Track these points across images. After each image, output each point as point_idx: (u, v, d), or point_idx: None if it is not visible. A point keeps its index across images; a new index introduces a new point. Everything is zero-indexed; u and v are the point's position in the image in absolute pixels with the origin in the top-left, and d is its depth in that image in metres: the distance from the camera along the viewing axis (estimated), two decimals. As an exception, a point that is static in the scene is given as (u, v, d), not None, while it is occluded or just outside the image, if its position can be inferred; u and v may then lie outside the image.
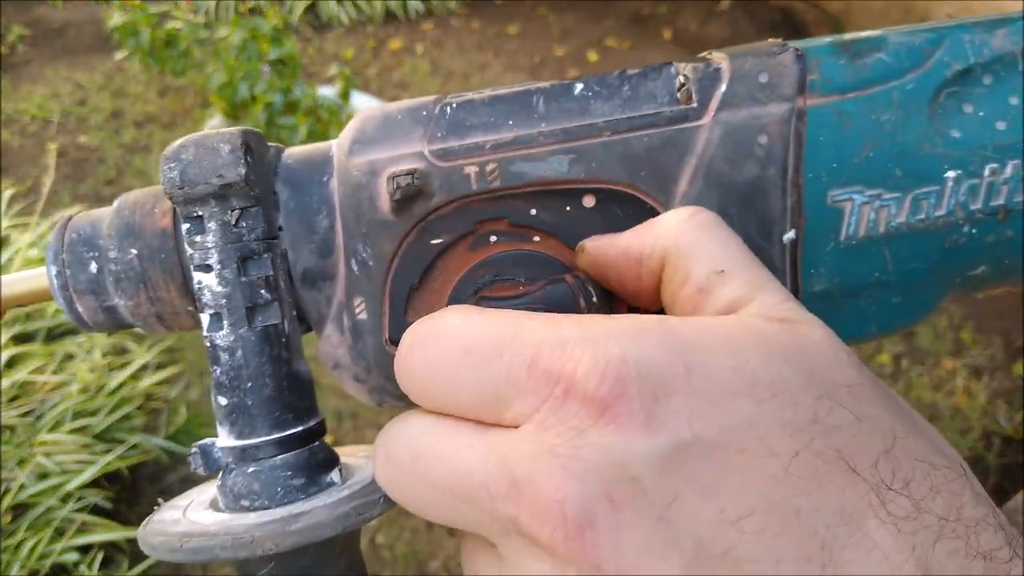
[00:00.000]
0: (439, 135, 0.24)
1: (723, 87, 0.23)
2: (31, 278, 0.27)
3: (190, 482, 1.87)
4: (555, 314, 0.20)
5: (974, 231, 0.24)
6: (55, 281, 0.26)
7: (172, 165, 0.23)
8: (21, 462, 1.64)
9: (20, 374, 1.81)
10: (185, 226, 0.24)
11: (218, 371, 0.24)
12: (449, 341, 0.20)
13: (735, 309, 0.20)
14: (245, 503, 0.23)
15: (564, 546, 0.16)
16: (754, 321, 0.19)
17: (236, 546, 0.21)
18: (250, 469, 0.24)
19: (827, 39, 0.24)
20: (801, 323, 0.20)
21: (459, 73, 3.74)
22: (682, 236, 0.21)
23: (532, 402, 0.18)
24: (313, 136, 2.45)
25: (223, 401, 0.24)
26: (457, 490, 0.18)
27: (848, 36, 0.24)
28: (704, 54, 0.25)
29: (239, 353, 0.23)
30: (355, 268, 0.24)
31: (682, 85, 0.23)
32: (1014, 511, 1.80)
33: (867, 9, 4.06)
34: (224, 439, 0.24)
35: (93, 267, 0.25)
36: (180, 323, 0.26)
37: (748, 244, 0.23)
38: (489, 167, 0.23)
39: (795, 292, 0.24)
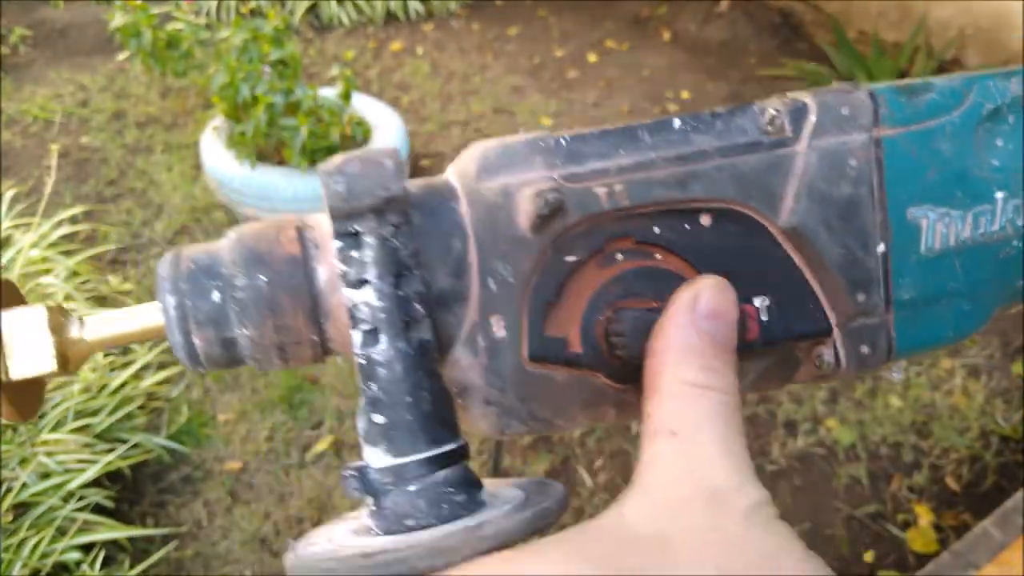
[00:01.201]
0: (559, 163, 0.25)
1: (813, 118, 0.26)
2: (139, 314, 0.26)
3: (191, 481, 1.88)
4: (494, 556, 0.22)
5: (1022, 245, 0.28)
6: (173, 313, 0.25)
7: (338, 178, 0.24)
8: (23, 461, 1.65)
9: (22, 374, 1.82)
10: (338, 244, 0.24)
11: (374, 387, 0.24)
12: None
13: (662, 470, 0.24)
14: (410, 523, 0.23)
15: None
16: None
17: (433, 554, 0.21)
18: (411, 488, 0.23)
19: (885, 84, 0.28)
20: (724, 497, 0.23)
21: (460, 74, 3.75)
22: (670, 385, 0.24)
23: None
24: (315, 137, 2.46)
25: (379, 419, 0.23)
26: None
27: (902, 81, 0.28)
28: (783, 94, 0.28)
29: (398, 368, 0.23)
30: (492, 286, 0.25)
31: (773, 118, 0.27)
32: (1013, 510, 1.80)
33: (865, 10, 4.06)
34: (379, 460, 0.24)
35: (216, 296, 0.25)
36: (299, 355, 0.26)
37: (850, 255, 0.27)
38: (617, 188, 0.25)
39: (887, 300, 0.27)
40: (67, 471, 1.67)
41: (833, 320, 0.27)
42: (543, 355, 0.26)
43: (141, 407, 1.99)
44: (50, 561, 1.52)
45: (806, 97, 0.27)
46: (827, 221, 0.26)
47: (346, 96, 2.64)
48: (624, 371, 0.26)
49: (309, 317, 0.25)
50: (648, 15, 4.48)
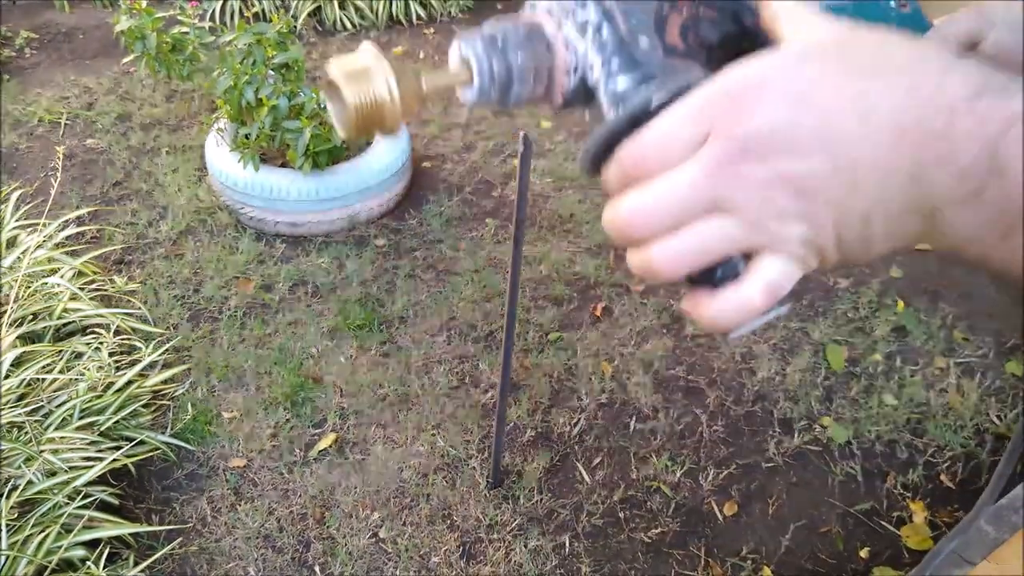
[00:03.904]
0: None
1: None
2: (444, 70, 0.37)
3: (196, 478, 1.91)
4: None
5: None
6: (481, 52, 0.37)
7: None
8: (28, 459, 1.67)
9: (28, 372, 1.84)
10: None
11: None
12: (646, 151, 0.31)
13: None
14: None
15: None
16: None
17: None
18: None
19: None
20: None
21: (461, 77, 3.77)
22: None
23: (706, 132, 0.29)
24: (318, 139, 2.49)
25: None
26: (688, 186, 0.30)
27: None
28: None
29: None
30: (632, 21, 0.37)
31: None
32: (1008, 508, 1.81)
33: (865, 13, 4.08)
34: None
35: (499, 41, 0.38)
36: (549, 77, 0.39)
37: None
38: None
39: None
40: (72, 468, 1.69)
41: None
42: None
43: (146, 405, 2.01)
44: (55, 558, 1.54)
45: None
46: None
47: (348, 99, 2.66)
48: (708, 58, 0.37)
49: (547, 48, 0.38)
50: (648, 18, 4.50)
